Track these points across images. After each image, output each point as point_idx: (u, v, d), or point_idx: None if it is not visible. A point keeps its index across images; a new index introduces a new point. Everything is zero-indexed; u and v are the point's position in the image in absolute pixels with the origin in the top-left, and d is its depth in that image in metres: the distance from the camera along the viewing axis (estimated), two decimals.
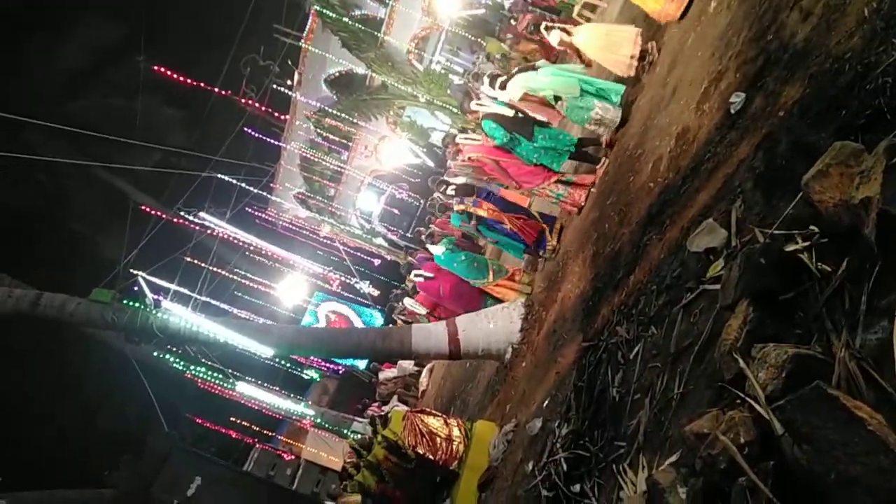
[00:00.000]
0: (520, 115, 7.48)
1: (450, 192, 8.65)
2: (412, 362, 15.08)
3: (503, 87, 7.54)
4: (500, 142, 7.34)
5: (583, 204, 7.09)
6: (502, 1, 15.14)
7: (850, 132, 2.39)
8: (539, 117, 7.59)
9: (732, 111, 3.79)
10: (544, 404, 5.19)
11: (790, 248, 2.41)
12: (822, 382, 1.76)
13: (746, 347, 2.28)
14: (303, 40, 19.02)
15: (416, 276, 9.90)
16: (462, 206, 8.24)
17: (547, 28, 7.58)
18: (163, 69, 17.55)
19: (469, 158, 8.18)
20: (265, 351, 7.95)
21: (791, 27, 3.49)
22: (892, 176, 1.86)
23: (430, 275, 9.61)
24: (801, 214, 2.46)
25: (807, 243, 2.35)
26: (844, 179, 2.09)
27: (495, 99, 7.82)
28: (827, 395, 1.72)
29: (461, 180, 8.61)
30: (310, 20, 18.78)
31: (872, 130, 2.29)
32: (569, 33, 7.18)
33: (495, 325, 7.41)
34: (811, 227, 2.36)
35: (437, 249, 9.46)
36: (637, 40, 6.81)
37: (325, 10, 17.90)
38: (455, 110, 17.01)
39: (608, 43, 6.96)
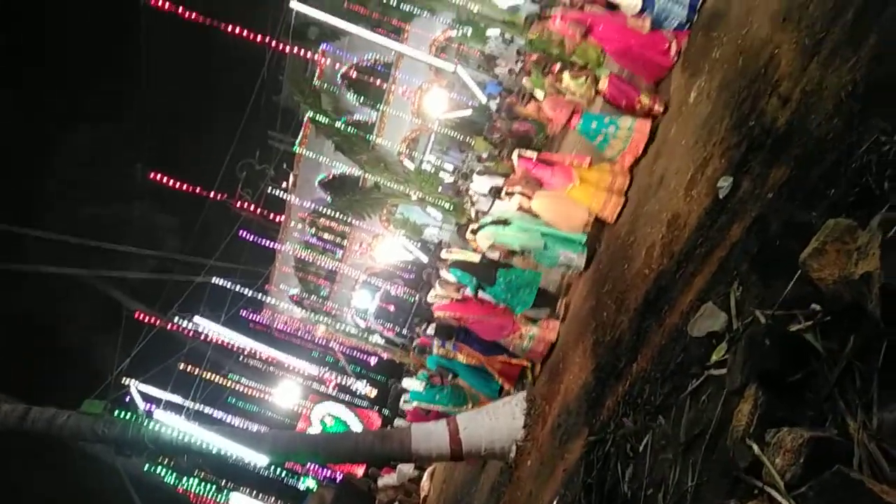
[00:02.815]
0: (484, 260, 7.93)
1: (429, 332, 8.99)
2: (412, 466, 14.56)
3: (474, 233, 7.92)
4: (471, 288, 7.79)
5: (554, 342, 7.29)
6: (488, 103, 15.75)
7: (840, 210, 2.41)
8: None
9: (721, 195, 3.84)
10: None
11: (793, 328, 2.37)
12: (843, 466, 1.69)
13: (759, 433, 2.19)
14: (297, 145, 19.59)
15: (405, 403, 10.11)
16: (443, 350, 8.57)
17: (509, 194, 7.83)
18: (158, 176, 17.93)
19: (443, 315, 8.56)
20: (260, 459, 7.66)
21: (771, 113, 3.60)
22: (889, 250, 1.85)
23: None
24: (801, 293, 2.44)
25: (810, 322, 2.32)
26: (841, 256, 2.08)
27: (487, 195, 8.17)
28: (850, 480, 1.64)
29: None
30: (304, 126, 19.42)
31: (863, 207, 2.31)
32: (528, 197, 7.45)
33: (497, 422, 7.19)
34: (813, 306, 2.33)
35: (416, 384, 9.73)
36: (590, 219, 7.14)
37: (318, 117, 18.56)
38: (447, 206, 17.33)
39: (566, 208, 7.25)
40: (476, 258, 8.05)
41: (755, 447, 2.15)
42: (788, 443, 1.99)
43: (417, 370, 10.83)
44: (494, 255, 8.17)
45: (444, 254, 8.94)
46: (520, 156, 7.59)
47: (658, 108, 6.46)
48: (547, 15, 8.51)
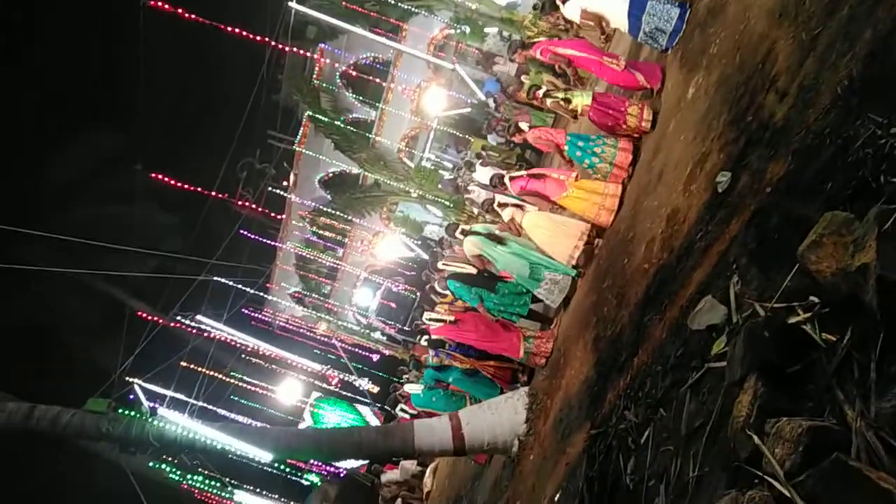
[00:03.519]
0: (484, 273, 7.98)
1: (423, 342, 9.14)
2: (415, 462, 14.60)
3: (465, 234, 7.97)
4: (470, 302, 7.89)
5: (549, 354, 7.39)
6: (487, 100, 15.77)
7: (838, 203, 2.44)
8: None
9: (720, 190, 3.88)
10: (556, 498, 4.99)
11: (792, 319, 2.41)
12: (842, 454, 1.72)
13: (759, 424, 2.23)
14: (296, 144, 19.62)
15: (401, 410, 10.17)
16: (437, 359, 8.76)
17: (502, 205, 7.86)
18: (160, 176, 17.97)
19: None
20: (264, 456, 7.70)
21: (769, 108, 3.63)
22: (885, 242, 1.89)
23: (414, 412, 10.10)
24: (800, 286, 2.48)
25: (808, 314, 2.35)
26: (839, 248, 2.12)
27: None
28: (848, 468, 1.68)
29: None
30: (303, 125, 19.44)
31: (859, 200, 2.34)
32: (522, 210, 7.50)
33: (499, 417, 7.23)
34: (811, 298, 2.37)
35: (415, 388, 9.81)
36: (583, 236, 7.17)
37: (317, 115, 18.57)
38: (447, 203, 17.35)
39: (556, 233, 7.30)
40: (473, 270, 8.07)
41: (755, 437, 2.19)
42: (788, 433, 2.03)
43: (417, 368, 10.93)
44: (474, 266, 8.20)
45: (440, 265, 8.89)
46: (511, 178, 7.68)
47: (644, 125, 6.55)
48: (529, 43, 8.73)
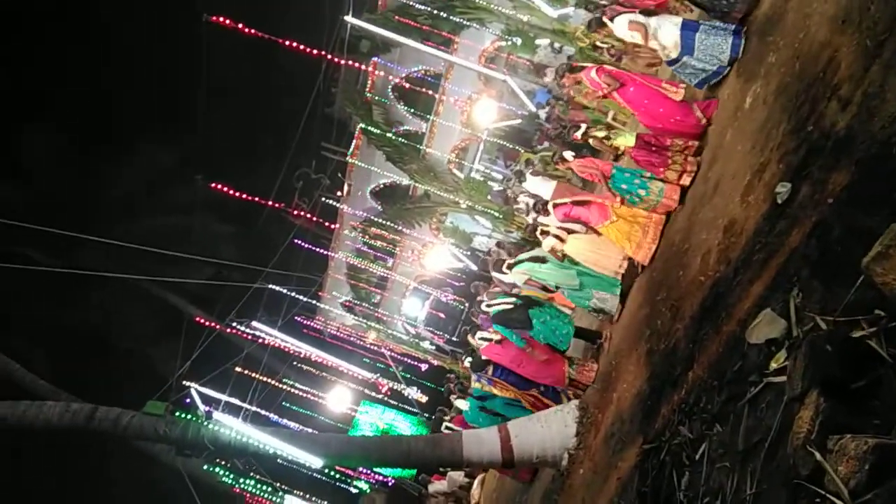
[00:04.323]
0: (518, 302, 8.08)
1: (466, 363, 9.52)
2: (462, 473, 14.58)
3: (510, 267, 8.10)
4: (518, 344, 7.93)
5: (592, 381, 7.47)
6: (537, 111, 15.73)
7: None
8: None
9: (779, 201, 3.79)
10: None
11: (856, 333, 2.34)
12: None
13: (821, 440, 2.17)
14: (349, 156, 19.94)
15: (446, 428, 10.74)
16: (479, 385, 8.83)
17: (544, 233, 7.84)
18: (219, 186, 18.52)
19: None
20: (314, 461, 7.82)
21: (830, 117, 3.53)
22: None
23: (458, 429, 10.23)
24: (864, 299, 2.40)
25: (874, 328, 2.28)
26: None
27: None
28: None
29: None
30: (355, 137, 19.76)
31: None
32: (562, 240, 7.47)
33: (549, 430, 7.17)
34: (876, 311, 2.29)
35: (464, 405, 9.92)
36: (623, 262, 7.24)
37: (369, 128, 18.85)
38: (496, 214, 17.35)
39: (601, 247, 7.34)
40: (510, 304, 8.18)
41: (817, 454, 2.13)
42: (852, 450, 1.97)
43: (462, 391, 11.16)
44: (529, 291, 8.37)
45: (483, 307, 9.13)
46: (555, 205, 7.67)
47: (686, 180, 6.41)
48: (579, 66, 8.48)
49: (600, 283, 7.35)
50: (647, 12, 7.08)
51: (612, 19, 7.33)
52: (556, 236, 7.48)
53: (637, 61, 8.27)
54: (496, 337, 8.37)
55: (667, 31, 6.61)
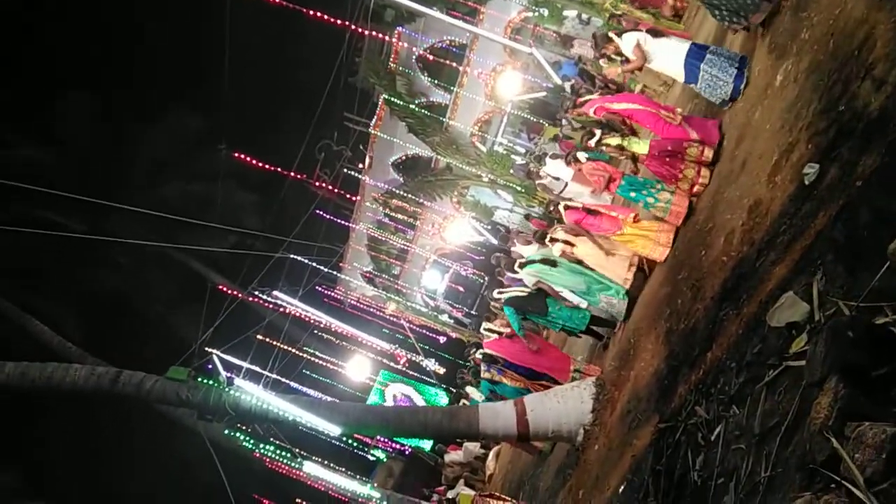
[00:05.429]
0: (533, 291, 8.19)
1: (478, 355, 9.68)
2: (478, 445, 14.74)
3: (521, 267, 8.27)
4: (515, 328, 8.25)
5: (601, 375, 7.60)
6: (563, 83, 15.52)
7: None
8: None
9: (806, 182, 3.72)
10: (620, 490, 4.96)
11: (880, 320, 2.31)
12: None
13: (839, 427, 2.16)
14: (372, 127, 19.88)
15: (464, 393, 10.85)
16: (489, 375, 9.03)
17: (552, 240, 7.89)
18: (242, 156, 18.60)
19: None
20: (333, 429, 7.95)
21: (863, 97, 3.44)
22: None
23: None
24: (889, 285, 2.37)
25: None
26: None
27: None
28: None
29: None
30: (378, 108, 19.67)
31: None
32: (571, 245, 7.53)
33: (565, 405, 7.21)
34: None
35: (477, 395, 10.27)
36: (634, 262, 7.32)
37: (392, 99, 18.75)
38: (518, 188, 17.25)
39: (609, 252, 7.41)
40: (525, 292, 8.32)
41: (834, 441, 2.12)
42: (870, 438, 1.96)
43: (475, 375, 11.30)
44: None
45: (496, 293, 9.25)
46: (566, 207, 7.70)
47: (699, 187, 6.40)
48: (583, 101, 8.58)
49: (607, 289, 7.51)
50: (655, 33, 7.12)
51: (620, 35, 7.33)
52: (566, 241, 7.58)
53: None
54: (506, 331, 8.55)
55: (670, 61, 6.80)
